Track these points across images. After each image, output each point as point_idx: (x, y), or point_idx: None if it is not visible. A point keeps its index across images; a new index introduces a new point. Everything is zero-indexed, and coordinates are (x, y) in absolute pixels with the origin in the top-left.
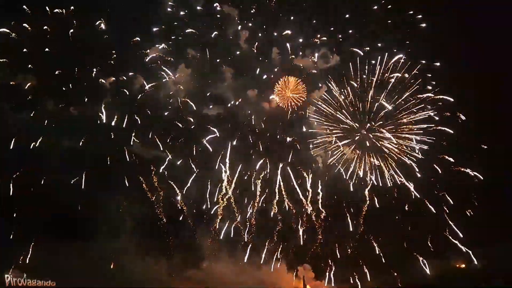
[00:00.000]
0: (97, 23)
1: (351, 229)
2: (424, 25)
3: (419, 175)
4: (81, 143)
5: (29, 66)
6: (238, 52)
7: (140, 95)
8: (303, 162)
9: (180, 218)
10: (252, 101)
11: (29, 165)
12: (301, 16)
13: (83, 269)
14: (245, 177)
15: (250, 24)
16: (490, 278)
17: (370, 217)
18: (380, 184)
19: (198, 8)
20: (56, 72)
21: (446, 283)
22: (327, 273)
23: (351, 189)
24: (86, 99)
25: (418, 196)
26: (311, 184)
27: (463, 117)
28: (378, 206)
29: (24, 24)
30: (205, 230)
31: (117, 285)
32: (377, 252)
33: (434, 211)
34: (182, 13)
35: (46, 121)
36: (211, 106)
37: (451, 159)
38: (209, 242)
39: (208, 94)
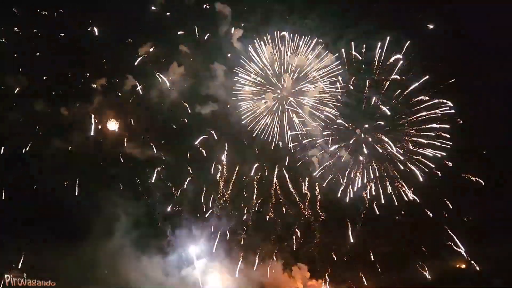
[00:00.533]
0: (89, 28)
1: (349, 230)
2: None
3: (421, 179)
4: (74, 145)
5: (20, 69)
6: (229, 53)
7: (132, 97)
8: (299, 163)
9: (176, 219)
10: (246, 101)
11: (21, 167)
12: (295, 14)
13: (79, 269)
14: (242, 178)
15: (242, 24)
16: (490, 278)
17: (368, 219)
18: (380, 189)
19: (190, 5)
20: (47, 75)
21: (446, 284)
22: (324, 274)
23: (348, 192)
24: (77, 102)
25: (418, 200)
26: (307, 186)
27: (460, 121)
28: (376, 209)
29: (15, 29)
30: (200, 230)
31: (114, 285)
32: (375, 254)
33: (434, 215)
34: (172, 11)
35: (37, 124)
36: (204, 106)
37: (450, 164)
38: (205, 242)
39: (201, 94)
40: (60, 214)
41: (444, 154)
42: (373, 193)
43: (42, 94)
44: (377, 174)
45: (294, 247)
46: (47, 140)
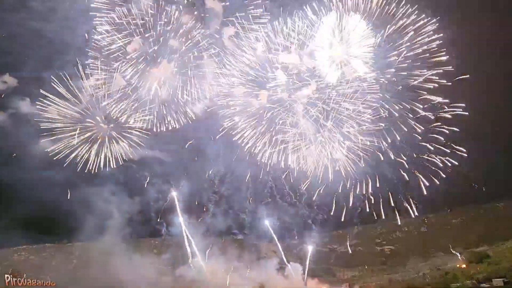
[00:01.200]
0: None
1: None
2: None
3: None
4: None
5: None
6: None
7: (122, 95)
8: (295, 162)
9: (171, 217)
10: (239, 98)
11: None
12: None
13: (76, 269)
14: (238, 176)
15: (235, 20)
16: (490, 278)
17: (367, 219)
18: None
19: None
20: (34, 73)
21: (446, 283)
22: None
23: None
24: (66, 100)
25: (417, 203)
26: (304, 185)
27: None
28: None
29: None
30: (197, 229)
31: (109, 284)
32: (374, 253)
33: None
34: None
35: (27, 123)
36: (197, 105)
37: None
38: (201, 241)
39: (192, 92)
40: (57, 215)
41: (456, 163)
42: (372, 201)
43: (29, 93)
44: (378, 184)
45: (290, 246)
46: (38, 139)
